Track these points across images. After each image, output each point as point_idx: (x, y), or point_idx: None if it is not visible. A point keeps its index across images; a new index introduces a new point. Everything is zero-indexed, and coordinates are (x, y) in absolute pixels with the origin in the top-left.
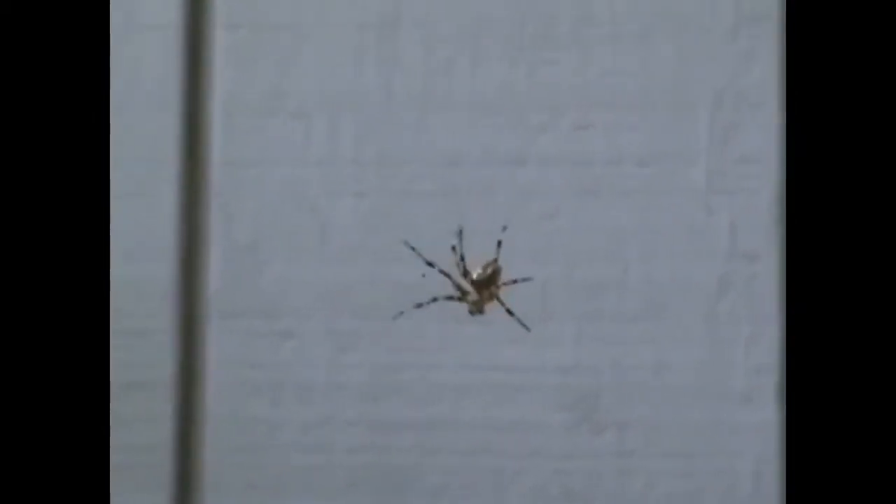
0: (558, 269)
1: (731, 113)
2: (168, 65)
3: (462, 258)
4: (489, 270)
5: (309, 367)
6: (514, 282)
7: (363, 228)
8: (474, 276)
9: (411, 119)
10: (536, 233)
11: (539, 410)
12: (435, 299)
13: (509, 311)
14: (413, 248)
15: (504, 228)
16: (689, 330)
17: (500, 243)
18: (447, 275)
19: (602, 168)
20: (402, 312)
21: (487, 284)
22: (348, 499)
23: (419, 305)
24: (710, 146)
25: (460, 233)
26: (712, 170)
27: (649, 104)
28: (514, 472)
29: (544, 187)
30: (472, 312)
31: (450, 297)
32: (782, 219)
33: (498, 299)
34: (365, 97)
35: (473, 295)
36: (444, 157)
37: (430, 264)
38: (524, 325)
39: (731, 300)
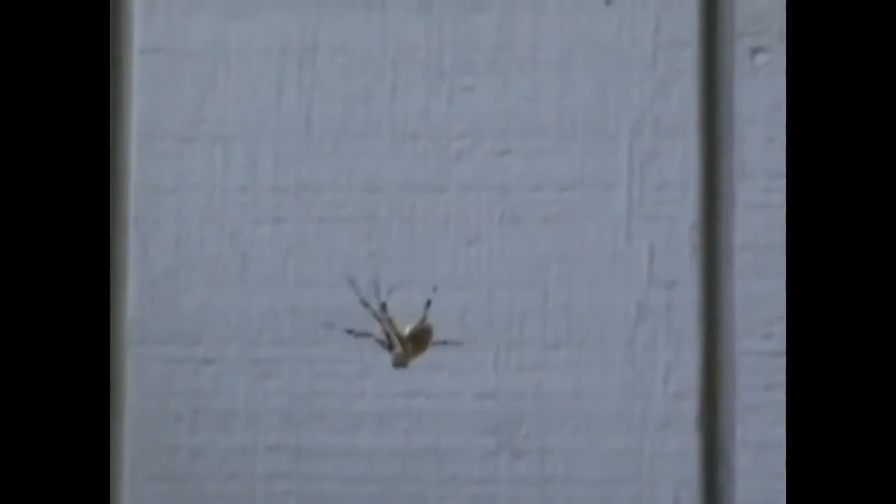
0: (479, 296)
1: (651, 140)
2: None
3: (389, 319)
4: (419, 329)
5: (228, 395)
6: (445, 343)
7: (283, 255)
8: (406, 332)
9: (331, 146)
10: (457, 259)
11: (459, 437)
12: (369, 335)
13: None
14: (352, 283)
15: (435, 289)
16: (608, 356)
17: (429, 303)
18: (379, 319)
19: (522, 194)
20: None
21: (416, 343)
22: None
23: (351, 332)
24: (629, 173)
25: (389, 291)
26: (632, 197)
27: (569, 131)
28: (434, 498)
29: (464, 214)
30: (395, 365)
31: (380, 342)
32: (700, 246)
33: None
34: (285, 123)
35: (399, 349)
36: (363, 184)
37: (366, 304)
38: None
39: (650, 327)
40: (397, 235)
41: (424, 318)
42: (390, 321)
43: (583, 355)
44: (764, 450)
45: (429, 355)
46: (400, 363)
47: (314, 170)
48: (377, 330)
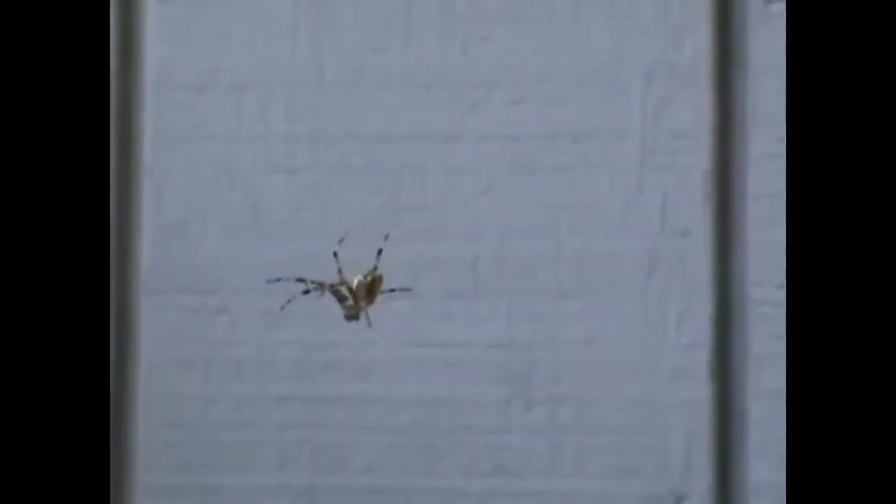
0: (491, 246)
1: (664, 88)
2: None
3: (339, 270)
4: (368, 279)
5: (241, 344)
6: (392, 290)
7: (296, 205)
8: (354, 283)
9: (343, 96)
10: (469, 209)
11: (471, 386)
12: (307, 291)
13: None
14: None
15: (386, 237)
16: (621, 305)
17: (380, 252)
18: (329, 284)
19: (535, 144)
20: (289, 301)
21: (367, 293)
22: (280, 475)
23: (305, 292)
24: (642, 121)
25: (340, 241)
26: (645, 145)
27: (582, 80)
28: (446, 448)
29: (477, 163)
30: (347, 318)
31: (334, 293)
32: (713, 194)
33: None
34: (298, 74)
35: (350, 300)
36: (376, 134)
37: (301, 280)
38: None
39: (662, 276)
40: (410, 186)
41: (375, 268)
42: (339, 272)
43: (595, 304)
44: (776, 399)
45: (439, 305)
46: (351, 315)
47: (327, 120)
48: (332, 281)
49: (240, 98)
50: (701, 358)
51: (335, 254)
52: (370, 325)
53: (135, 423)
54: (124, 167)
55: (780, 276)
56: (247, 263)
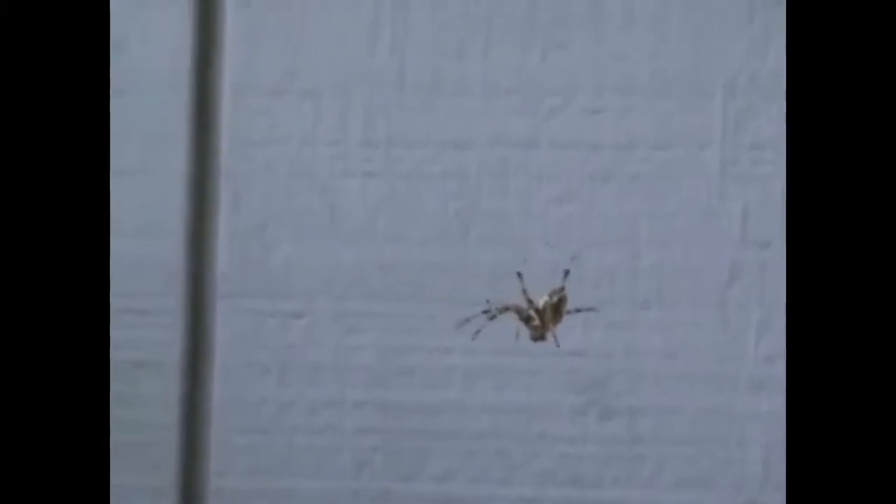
0: (568, 254)
1: (745, 98)
2: (179, 41)
3: (524, 290)
4: (555, 299)
5: (317, 348)
6: (578, 311)
7: (372, 210)
8: (540, 303)
9: (422, 100)
10: (547, 217)
11: (548, 394)
12: (494, 316)
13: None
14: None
15: (573, 258)
16: (699, 316)
17: (567, 273)
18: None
19: (614, 152)
20: (467, 320)
21: (553, 313)
22: (355, 481)
23: (491, 315)
24: (723, 131)
25: (524, 261)
26: (725, 156)
27: (662, 88)
28: (522, 456)
29: (555, 171)
30: (534, 338)
31: (521, 316)
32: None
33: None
34: (376, 78)
35: (537, 321)
36: (454, 140)
37: (520, 275)
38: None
39: (742, 287)
40: (487, 192)
41: (562, 288)
42: (524, 292)
43: (674, 315)
44: None
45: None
46: (538, 336)
47: (405, 125)
48: (514, 303)
49: (317, 102)
50: (780, 370)
51: (519, 274)
52: (558, 345)
53: (208, 427)
54: (201, 171)
55: None
56: (323, 267)
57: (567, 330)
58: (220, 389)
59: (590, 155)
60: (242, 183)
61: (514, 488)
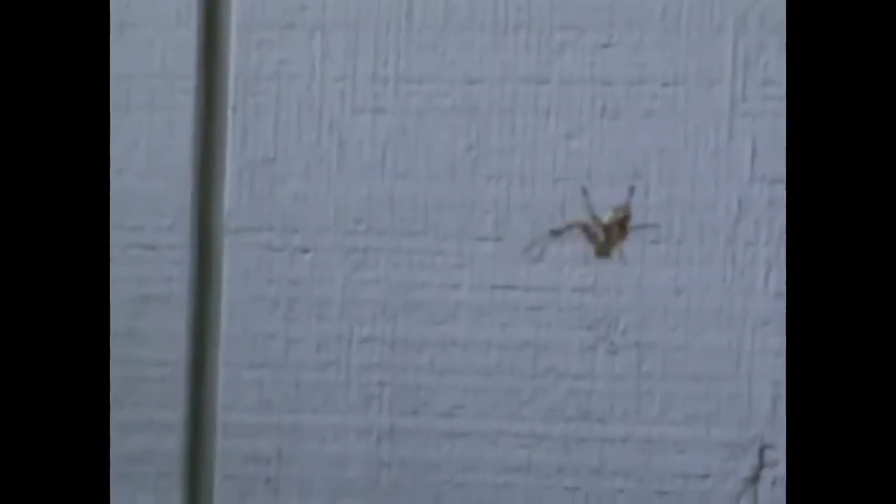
0: (578, 189)
1: (756, 35)
2: None
3: (589, 207)
4: (620, 215)
5: (325, 284)
6: (643, 227)
7: (381, 145)
8: (606, 219)
9: (432, 37)
10: (556, 152)
11: (556, 330)
12: (559, 233)
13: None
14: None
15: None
16: (708, 253)
17: (632, 188)
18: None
19: (624, 88)
20: (542, 249)
21: (619, 229)
22: (362, 416)
23: (555, 233)
24: (733, 68)
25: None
26: (735, 92)
27: (673, 24)
28: (530, 391)
29: (565, 106)
30: (598, 255)
31: (588, 233)
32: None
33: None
34: (386, 13)
35: (602, 237)
36: (463, 76)
37: (585, 191)
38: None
39: (751, 223)
40: (497, 128)
41: (628, 205)
42: (590, 208)
43: (682, 251)
44: None
45: (525, 248)
46: (602, 252)
47: (414, 61)
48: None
49: (326, 37)
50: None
51: (584, 190)
52: (625, 261)
53: (215, 362)
54: (209, 105)
55: None
56: (331, 202)
57: (576, 265)
58: (227, 324)
59: (599, 91)
60: (250, 118)
61: (521, 424)
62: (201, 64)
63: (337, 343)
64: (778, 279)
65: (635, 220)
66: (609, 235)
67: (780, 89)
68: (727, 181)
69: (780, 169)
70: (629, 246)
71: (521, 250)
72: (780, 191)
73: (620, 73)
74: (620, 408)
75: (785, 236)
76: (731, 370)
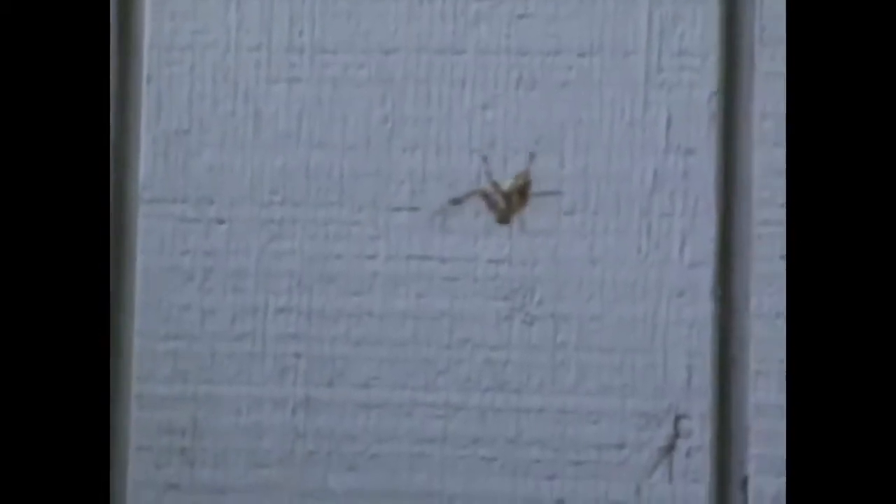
0: (494, 160)
1: (671, 6)
2: None
3: (488, 173)
4: (520, 182)
5: (240, 255)
6: (543, 194)
7: (296, 115)
8: (506, 186)
9: (347, 6)
10: (472, 123)
11: (472, 301)
12: (459, 202)
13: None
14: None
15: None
16: (624, 223)
17: (532, 156)
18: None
19: (540, 58)
20: (443, 216)
21: (519, 197)
22: (277, 387)
23: (456, 201)
24: (648, 39)
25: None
26: (651, 63)
27: None
28: (445, 362)
29: (481, 77)
30: (499, 222)
31: (488, 201)
32: (719, 113)
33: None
34: None
35: (503, 204)
36: (379, 46)
37: (485, 158)
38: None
39: (666, 194)
40: (413, 98)
41: (527, 171)
42: (489, 175)
43: (598, 221)
44: (778, 320)
45: (441, 218)
46: (503, 219)
47: (330, 30)
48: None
49: (241, 6)
50: (704, 277)
51: (484, 158)
52: (524, 228)
53: (130, 333)
54: (123, 75)
55: (784, 196)
56: (247, 173)
57: (491, 236)
58: (141, 295)
59: (515, 61)
60: (164, 88)
61: (437, 394)
62: (116, 34)
63: (252, 314)
64: (693, 250)
65: (542, 187)
66: (509, 203)
67: (696, 60)
68: (642, 152)
69: (695, 140)
70: (544, 217)
71: (426, 220)
72: (695, 162)
73: (536, 43)
74: (536, 378)
75: (701, 206)
76: (646, 341)
